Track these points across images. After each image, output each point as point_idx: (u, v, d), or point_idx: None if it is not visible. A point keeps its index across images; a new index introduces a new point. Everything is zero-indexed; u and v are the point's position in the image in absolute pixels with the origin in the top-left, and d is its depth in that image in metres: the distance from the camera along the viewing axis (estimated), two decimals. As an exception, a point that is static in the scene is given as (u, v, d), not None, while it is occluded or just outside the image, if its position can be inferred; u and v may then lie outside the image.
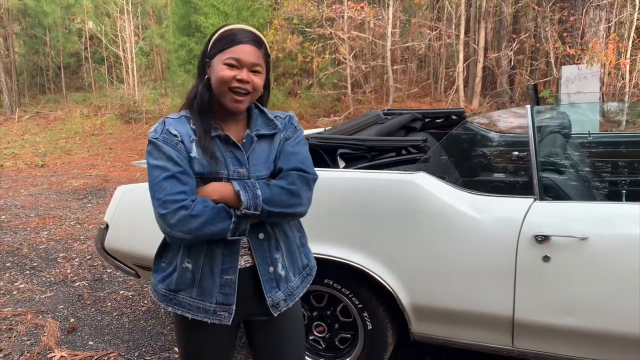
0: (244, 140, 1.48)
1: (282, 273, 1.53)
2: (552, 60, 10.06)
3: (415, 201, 2.11)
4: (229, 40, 1.41)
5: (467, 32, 12.97)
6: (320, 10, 11.64)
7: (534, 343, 2.07)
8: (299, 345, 1.65)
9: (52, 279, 4.02)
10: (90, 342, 3.06)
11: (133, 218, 2.67)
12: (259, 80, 1.44)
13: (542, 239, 1.94)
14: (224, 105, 1.44)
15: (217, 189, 1.40)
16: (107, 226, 2.74)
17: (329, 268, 2.29)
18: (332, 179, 2.27)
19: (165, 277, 1.51)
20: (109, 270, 4.13)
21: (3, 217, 5.82)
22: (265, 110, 1.56)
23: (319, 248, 2.24)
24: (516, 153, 3.20)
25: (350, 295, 2.31)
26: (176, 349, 2.93)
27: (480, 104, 11.84)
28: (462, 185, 2.70)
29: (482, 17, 12.36)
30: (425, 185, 2.11)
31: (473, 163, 3.27)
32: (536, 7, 11.54)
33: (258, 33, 1.47)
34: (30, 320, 3.33)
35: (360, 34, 12.10)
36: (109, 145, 10.79)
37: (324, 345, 2.52)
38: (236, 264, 1.46)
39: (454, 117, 3.46)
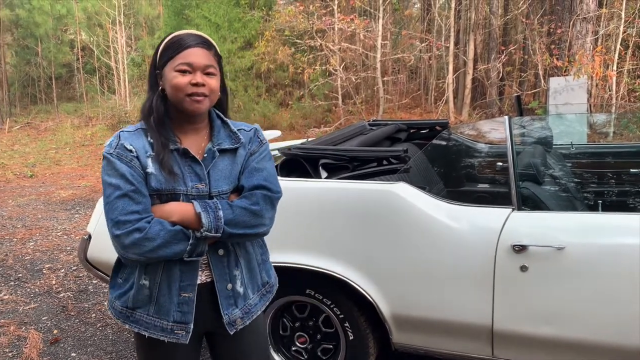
0: (205, 155, 1.43)
1: (241, 290, 1.49)
2: (541, 72, 10.16)
3: (395, 211, 2.12)
4: (176, 46, 1.37)
5: (456, 44, 13.09)
6: (311, 22, 11.72)
7: (514, 352, 2.08)
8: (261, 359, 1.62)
9: (37, 290, 3.99)
10: (73, 354, 3.03)
11: (115, 228, 2.66)
12: (214, 82, 1.40)
13: (519, 249, 1.95)
14: (183, 111, 1.39)
15: (176, 210, 1.35)
16: (89, 237, 2.73)
17: (311, 278, 2.30)
18: (313, 189, 2.28)
19: (122, 294, 1.47)
20: (94, 282, 4.10)
21: (-11, 228, 5.78)
22: (229, 121, 1.51)
23: (300, 258, 2.24)
24: (500, 164, 3.23)
25: (331, 306, 2.31)
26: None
27: (470, 115, 11.93)
28: (445, 195, 2.72)
29: (472, 29, 12.48)
30: (405, 195, 2.12)
31: (454, 173, 3.30)
32: (524, 20, 11.69)
33: (206, 35, 1.43)
34: (13, 331, 3.30)
35: (351, 45, 12.19)
36: (99, 156, 10.75)
37: (306, 356, 2.51)
38: (195, 282, 1.42)
39: (439, 128, 3.49)
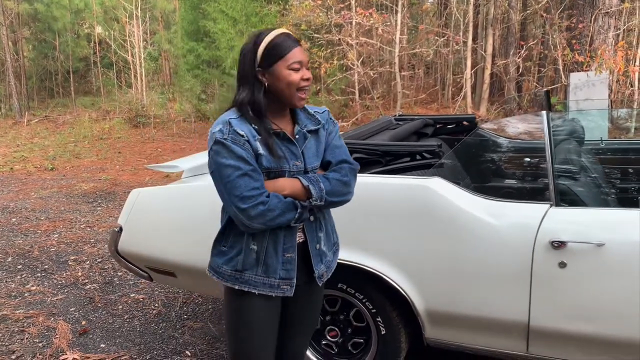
0: (297, 136, 1.65)
1: (324, 249, 1.76)
2: (560, 67, 10.04)
3: (430, 206, 2.11)
4: (283, 47, 1.56)
5: (474, 38, 12.98)
6: (329, 16, 11.68)
7: (549, 349, 2.07)
8: (318, 314, 1.94)
9: (63, 281, 4.04)
10: (102, 345, 3.07)
11: (147, 221, 2.68)
12: (310, 74, 1.63)
13: (558, 245, 1.94)
14: (289, 105, 1.63)
15: (287, 185, 1.59)
16: (120, 229, 2.75)
17: (343, 272, 2.29)
18: (346, 184, 2.27)
19: (230, 259, 1.67)
20: (119, 273, 4.14)
21: (14, 219, 5.85)
22: (305, 105, 1.71)
23: (334, 252, 2.24)
24: (531, 159, 3.19)
25: (363, 300, 2.31)
26: (187, 352, 2.93)
27: (488, 111, 11.83)
28: (480, 190, 2.69)
29: (490, 24, 12.36)
30: (441, 190, 2.11)
31: (489, 170, 3.27)
32: (544, 15, 11.54)
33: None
34: (42, 322, 3.34)
35: (369, 40, 12.14)
36: (118, 149, 10.82)
37: (336, 350, 2.51)
38: (295, 243, 1.67)
39: (466, 123, 3.46)
